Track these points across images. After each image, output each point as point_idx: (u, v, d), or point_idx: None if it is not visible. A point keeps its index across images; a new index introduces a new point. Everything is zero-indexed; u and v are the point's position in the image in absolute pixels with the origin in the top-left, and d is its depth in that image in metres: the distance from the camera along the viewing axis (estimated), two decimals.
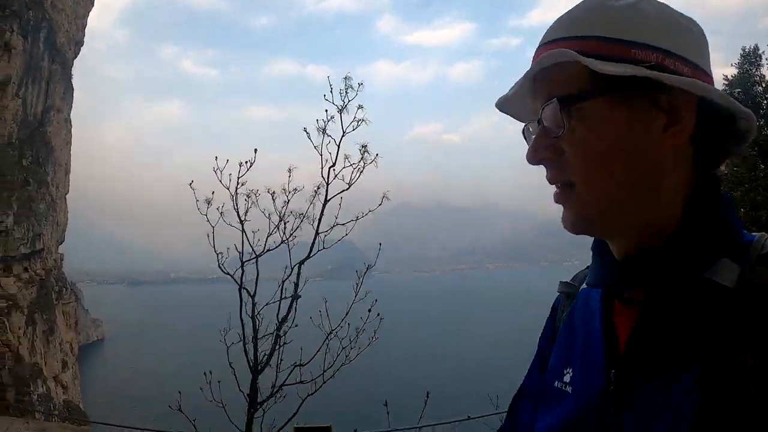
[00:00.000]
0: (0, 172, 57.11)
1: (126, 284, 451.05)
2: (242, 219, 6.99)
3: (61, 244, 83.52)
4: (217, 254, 7.05)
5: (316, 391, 6.47)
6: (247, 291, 6.95)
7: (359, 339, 6.59)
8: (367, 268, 7.21)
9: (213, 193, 6.80)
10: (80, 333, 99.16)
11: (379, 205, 7.00)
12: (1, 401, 49.88)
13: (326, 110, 6.55)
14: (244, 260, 7.21)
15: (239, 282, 7.08)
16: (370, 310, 6.82)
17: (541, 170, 0.96)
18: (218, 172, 6.65)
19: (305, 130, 6.69)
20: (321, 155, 6.69)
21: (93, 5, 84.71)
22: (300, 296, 7.00)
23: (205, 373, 6.45)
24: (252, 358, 6.61)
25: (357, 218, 6.98)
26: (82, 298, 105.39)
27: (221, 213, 6.89)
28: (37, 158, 67.18)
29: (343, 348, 6.57)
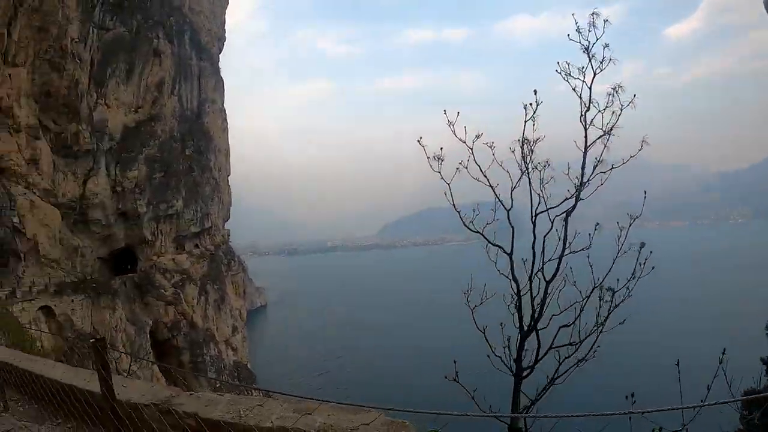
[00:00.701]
0: (167, 163, 63.04)
1: (285, 254, 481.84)
2: (527, 170, 6.49)
3: (226, 221, 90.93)
4: (458, 212, 6.73)
5: (576, 347, 6.05)
6: (502, 248, 6.56)
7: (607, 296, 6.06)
8: (633, 219, 6.58)
9: (442, 149, 6.52)
10: (246, 300, 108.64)
11: (639, 150, 6.45)
12: (177, 363, 56.38)
13: (586, 50, 6.26)
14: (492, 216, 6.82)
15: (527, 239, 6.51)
16: (643, 264, 6.19)
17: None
18: (452, 126, 6.37)
19: (558, 71, 6.36)
20: (580, 98, 6.39)
21: (228, 3, 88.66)
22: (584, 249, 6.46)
23: (485, 337, 6.17)
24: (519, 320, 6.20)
25: (612, 167, 6.46)
26: (247, 269, 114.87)
27: (458, 169, 6.55)
28: (199, 147, 72.99)
29: (616, 305, 6.06)
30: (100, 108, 52.39)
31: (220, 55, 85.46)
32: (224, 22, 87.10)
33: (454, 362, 5.81)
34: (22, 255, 43.19)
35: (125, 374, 44.77)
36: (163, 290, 59.65)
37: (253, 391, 56.47)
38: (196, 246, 71.20)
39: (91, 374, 5.25)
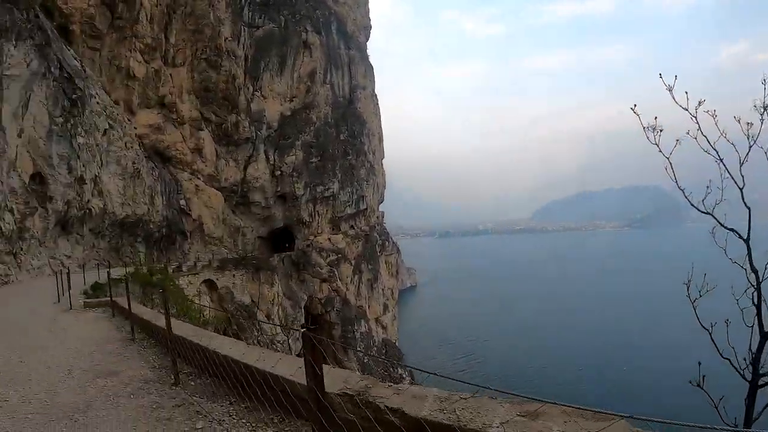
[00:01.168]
0: (323, 147, 64.08)
1: (436, 236, 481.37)
2: None
3: (381, 203, 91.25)
4: (681, 189, 6.07)
5: None
6: (737, 233, 5.99)
7: None
8: None
9: (656, 118, 5.95)
10: (398, 280, 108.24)
11: None
12: (328, 337, 56.80)
13: None
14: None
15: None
16: None
17: None
18: (671, 91, 5.75)
19: None
20: None
21: None
22: None
23: (711, 326, 5.56)
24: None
25: None
26: (400, 250, 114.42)
27: (678, 141, 5.94)
28: (353, 131, 73.61)
29: None
30: (256, 99, 54.38)
31: (367, 43, 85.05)
32: (368, 11, 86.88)
33: (699, 364, 5.05)
34: (188, 234, 46.12)
35: (281, 344, 45.54)
36: (318, 268, 60.65)
37: (398, 367, 55.28)
38: (352, 227, 71.82)
39: (266, 353, 5.28)
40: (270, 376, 4.61)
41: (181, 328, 7.36)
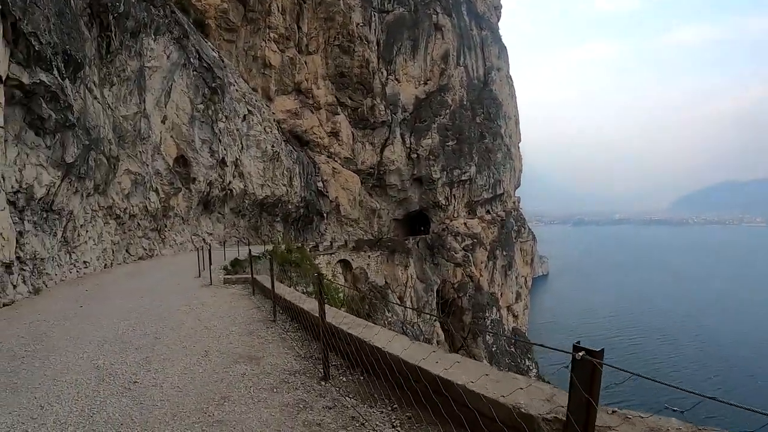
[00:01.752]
0: (459, 130, 60.50)
1: (571, 224, 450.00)
2: None
3: (517, 188, 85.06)
4: None
5: None
6: None
7: None
8: None
9: None
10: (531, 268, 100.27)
11: None
12: (459, 323, 53.04)
13: None
14: None
15: None
16: None
17: None
18: None
19: None
20: None
21: None
22: None
23: None
24: None
25: None
26: (536, 238, 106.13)
27: None
28: (488, 114, 69.10)
29: None
30: (391, 83, 52.64)
31: (500, 23, 78.92)
32: None
33: None
34: (325, 214, 45.26)
35: (411, 326, 42.85)
36: (453, 252, 57.44)
37: (525, 358, 50.07)
38: (488, 211, 67.55)
39: (438, 354, 4.23)
40: (442, 381, 3.58)
41: (331, 314, 6.17)
